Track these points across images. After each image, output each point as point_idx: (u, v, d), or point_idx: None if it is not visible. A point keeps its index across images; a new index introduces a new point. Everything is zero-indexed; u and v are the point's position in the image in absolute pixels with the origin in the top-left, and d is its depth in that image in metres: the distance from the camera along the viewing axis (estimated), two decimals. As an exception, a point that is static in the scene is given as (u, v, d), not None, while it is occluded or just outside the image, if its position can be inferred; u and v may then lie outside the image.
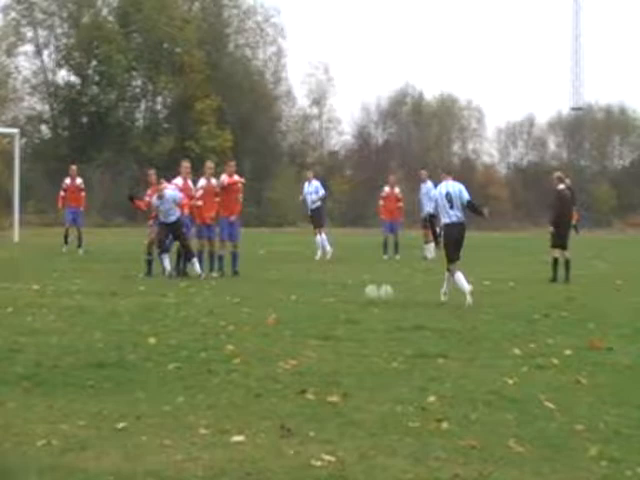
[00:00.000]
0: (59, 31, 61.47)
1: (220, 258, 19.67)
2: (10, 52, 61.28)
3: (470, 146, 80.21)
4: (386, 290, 15.07)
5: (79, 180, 27.48)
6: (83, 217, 27.86)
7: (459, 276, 14.74)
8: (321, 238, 25.78)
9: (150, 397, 7.66)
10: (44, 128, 62.15)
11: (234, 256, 19.81)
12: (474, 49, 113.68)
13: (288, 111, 71.78)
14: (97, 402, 7.45)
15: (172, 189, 19.23)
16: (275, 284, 17.52)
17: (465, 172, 59.59)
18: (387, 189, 27.35)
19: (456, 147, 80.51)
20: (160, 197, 18.89)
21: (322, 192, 26.18)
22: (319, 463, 5.92)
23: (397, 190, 27.36)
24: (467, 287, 14.56)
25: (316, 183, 26.30)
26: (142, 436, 6.49)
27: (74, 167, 27.86)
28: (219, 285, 17.34)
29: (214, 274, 19.30)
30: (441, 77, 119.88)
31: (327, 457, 6.03)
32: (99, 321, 11.89)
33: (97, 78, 60.57)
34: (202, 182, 19.92)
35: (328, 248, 25.56)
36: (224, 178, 19.91)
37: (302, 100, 74.84)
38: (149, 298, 14.69)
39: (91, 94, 60.21)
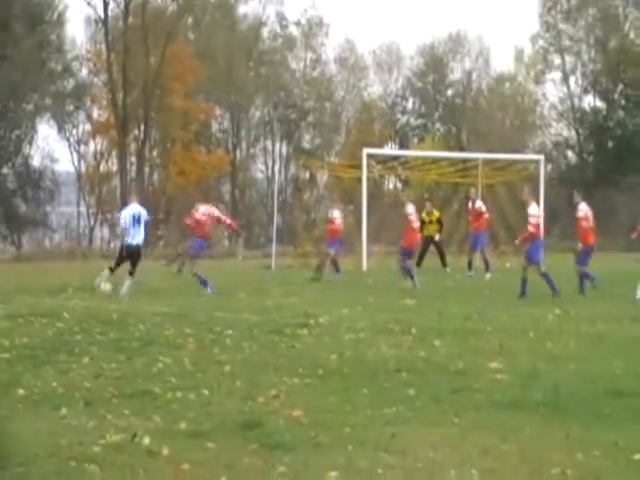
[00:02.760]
0: (585, 57, 61.61)
1: None
2: (538, 79, 62.55)
3: None
4: None
5: (478, 203, 27.82)
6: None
7: None
8: None
9: (670, 429, 7.35)
10: (570, 153, 62.49)
11: None
12: None
13: None
14: (614, 432, 7.26)
15: None
16: None
17: None
18: None
19: None
20: None
21: None
22: None
23: None
24: None
25: None
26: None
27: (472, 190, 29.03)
28: None
29: None
30: None
31: None
32: (618, 348, 11.64)
33: (623, 102, 59.89)
34: None
35: None
36: None
37: None
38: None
39: (617, 118, 59.58)
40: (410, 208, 22.49)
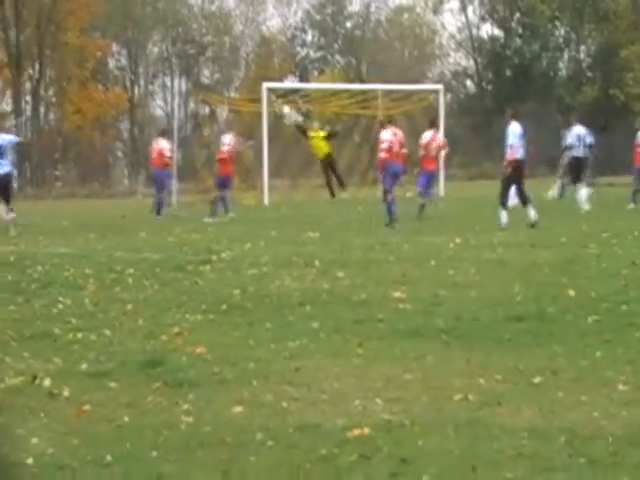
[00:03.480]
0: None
1: None
2: (436, 9, 62.70)
3: None
4: None
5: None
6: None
7: None
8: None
9: (568, 351, 7.46)
10: (469, 83, 62.98)
11: None
12: None
13: None
14: (514, 356, 7.36)
15: None
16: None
17: None
18: None
19: None
20: None
21: None
22: None
23: None
24: None
25: None
26: (558, 391, 6.31)
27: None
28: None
29: None
30: None
31: None
32: (518, 273, 11.79)
33: (520, 30, 60.41)
34: None
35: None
36: None
37: None
38: (569, 249, 14.39)
39: (514, 46, 60.11)
40: (227, 138, 24.40)
